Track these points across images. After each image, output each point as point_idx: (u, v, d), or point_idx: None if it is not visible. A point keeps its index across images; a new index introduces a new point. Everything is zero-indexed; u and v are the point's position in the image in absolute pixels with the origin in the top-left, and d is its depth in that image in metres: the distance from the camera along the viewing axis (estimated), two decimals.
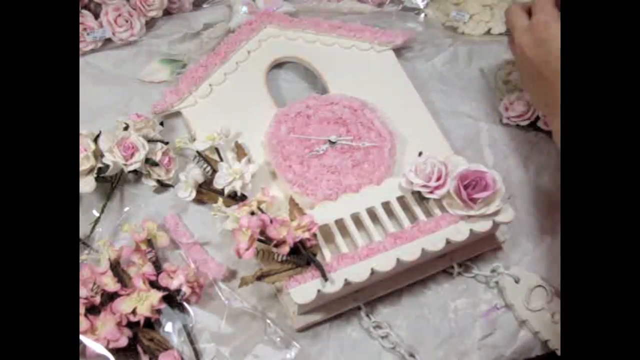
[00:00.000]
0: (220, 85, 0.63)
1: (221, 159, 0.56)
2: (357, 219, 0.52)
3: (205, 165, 0.56)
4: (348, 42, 0.68)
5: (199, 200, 0.56)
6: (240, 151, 0.57)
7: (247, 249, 0.46)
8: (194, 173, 0.55)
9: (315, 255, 0.49)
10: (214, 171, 0.55)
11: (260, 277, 0.47)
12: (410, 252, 0.49)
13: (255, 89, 0.63)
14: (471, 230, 0.51)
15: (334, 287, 0.47)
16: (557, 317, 0.52)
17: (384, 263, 0.49)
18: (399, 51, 0.71)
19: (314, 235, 0.49)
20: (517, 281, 0.54)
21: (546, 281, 0.54)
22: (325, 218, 0.51)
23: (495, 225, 0.52)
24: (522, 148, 0.64)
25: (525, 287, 0.54)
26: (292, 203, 0.52)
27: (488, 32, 0.76)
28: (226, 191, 0.53)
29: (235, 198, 0.54)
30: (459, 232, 0.51)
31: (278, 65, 0.68)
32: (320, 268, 0.47)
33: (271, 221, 0.48)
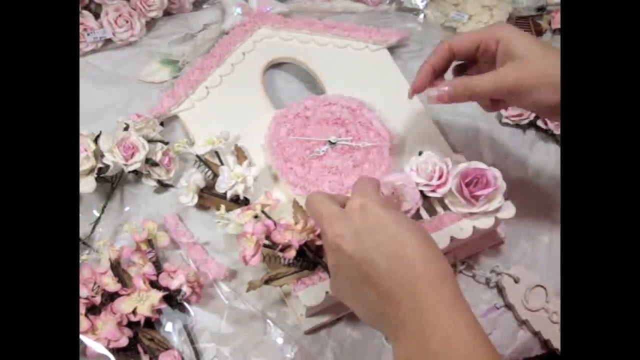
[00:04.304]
0: (217, 88, 0.63)
1: (221, 163, 0.56)
2: None
3: (206, 169, 0.56)
4: (342, 42, 0.68)
5: (201, 205, 0.56)
6: (240, 154, 0.57)
7: (254, 255, 0.46)
8: (195, 178, 0.55)
9: (321, 257, 0.49)
10: (215, 175, 0.55)
11: (267, 281, 0.48)
12: None
13: (251, 90, 0.63)
14: (474, 227, 0.51)
15: None
16: (557, 317, 0.53)
17: None
18: (397, 52, 0.71)
19: (319, 236, 0.49)
20: (516, 281, 0.54)
21: (546, 281, 0.54)
22: None
23: (498, 221, 0.52)
24: (521, 148, 0.65)
25: (524, 287, 0.54)
26: (296, 206, 0.52)
27: None
28: (228, 195, 0.53)
29: (238, 201, 0.54)
30: (462, 230, 0.51)
31: (274, 65, 0.68)
32: (327, 269, 0.47)
33: (275, 225, 0.48)
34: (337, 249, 0.38)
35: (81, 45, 0.67)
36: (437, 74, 0.51)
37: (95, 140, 0.55)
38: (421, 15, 0.78)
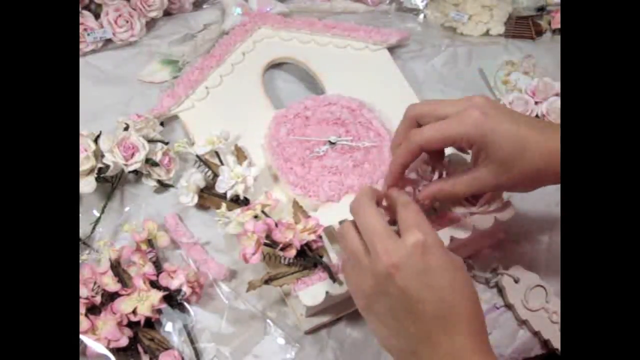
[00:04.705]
0: (217, 88, 0.63)
1: (221, 163, 0.56)
2: None
3: (206, 169, 0.56)
4: (342, 42, 0.68)
5: (201, 205, 0.56)
6: (240, 154, 0.57)
7: (254, 254, 0.46)
8: (195, 178, 0.55)
9: (322, 257, 0.49)
10: (215, 175, 0.55)
11: (267, 281, 0.48)
12: None
13: (251, 90, 0.63)
14: (474, 227, 0.51)
15: (342, 288, 0.47)
16: (557, 317, 0.53)
17: None
18: (397, 52, 0.71)
19: (320, 236, 0.49)
20: (516, 281, 0.54)
21: (545, 281, 0.54)
22: (329, 219, 0.51)
23: (497, 221, 0.52)
24: None
25: (524, 287, 0.54)
26: (296, 206, 0.52)
27: (487, 33, 0.76)
28: (228, 195, 0.53)
29: (238, 202, 0.54)
30: (462, 230, 0.51)
31: (274, 65, 0.68)
32: (327, 269, 0.47)
33: (276, 225, 0.48)
34: (389, 278, 0.37)
35: (81, 45, 0.67)
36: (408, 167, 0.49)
37: (95, 140, 0.55)
38: (421, 15, 0.78)
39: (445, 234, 0.51)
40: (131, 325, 0.48)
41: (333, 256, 0.49)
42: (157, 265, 0.51)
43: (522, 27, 0.77)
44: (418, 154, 0.47)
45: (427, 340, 0.37)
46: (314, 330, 0.51)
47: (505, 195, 0.53)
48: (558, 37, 0.76)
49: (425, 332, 0.37)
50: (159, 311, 0.49)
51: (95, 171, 0.54)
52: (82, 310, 0.47)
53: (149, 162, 0.56)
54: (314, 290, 0.47)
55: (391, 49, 0.70)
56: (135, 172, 0.56)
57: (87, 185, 0.54)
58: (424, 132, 0.45)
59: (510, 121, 0.43)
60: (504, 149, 0.43)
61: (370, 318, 0.41)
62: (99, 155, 0.55)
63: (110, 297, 0.48)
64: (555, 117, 0.63)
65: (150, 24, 0.72)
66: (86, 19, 0.67)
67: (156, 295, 0.48)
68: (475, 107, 0.43)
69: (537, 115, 0.64)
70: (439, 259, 0.38)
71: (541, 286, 0.54)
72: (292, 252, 0.47)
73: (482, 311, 0.39)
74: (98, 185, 0.54)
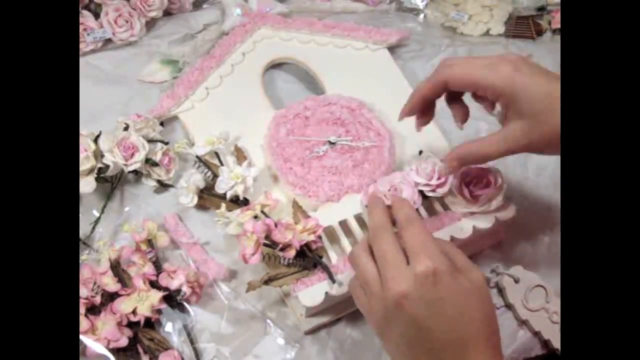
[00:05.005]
0: (217, 89, 0.63)
1: (221, 163, 0.56)
2: (360, 220, 0.53)
3: (205, 170, 0.56)
4: (342, 42, 0.68)
5: (200, 206, 0.56)
6: (240, 155, 0.57)
7: (253, 254, 0.46)
8: (195, 178, 0.55)
9: (321, 257, 0.49)
10: (215, 176, 0.55)
11: (267, 282, 0.48)
12: None
13: (251, 91, 0.63)
14: (474, 227, 0.51)
15: (341, 288, 0.47)
16: (557, 317, 0.52)
17: None
18: (397, 52, 0.71)
19: (319, 237, 0.49)
20: (516, 281, 0.54)
21: (546, 281, 0.54)
22: (329, 220, 0.51)
23: (498, 221, 0.52)
24: None
25: (524, 287, 0.54)
26: (296, 206, 0.52)
27: (487, 33, 0.77)
28: (228, 195, 0.53)
29: (238, 202, 0.54)
30: (462, 230, 0.51)
31: (274, 65, 0.68)
32: (327, 270, 0.47)
33: (276, 225, 0.48)
34: (398, 307, 0.37)
35: (81, 45, 0.67)
36: (428, 103, 0.49)
37: (95, 140, 0.55)
38: (421, 15, 0.79)
39: (445, 234, 0.51)
40: (131, 325, 0.47)
41: (333, 256, 0.49)
42: (157, 265, 0.51)
43: (522, 27, 0.77)
44: (441, 90, 0.46)
45: None
46: (313, 331, 0.51)
47: (505, 195, 0.52)
48: (558, 37, 0.76)
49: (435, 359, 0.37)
50: (159, 311, 0.49)
51: (95, 171, 0.54)
52: (82, 310, 0.47)
53: (148, 162, 0.56)
54: (313, 290, 0.47)
55: (391, 49, 0.70)
56: (135, 172, 0.56)
57: (87, 185, 0.54)
58: (454, 68, 0.44)
59: (543, 77, 0.42)
60: (535, 104, 0.41)
61: (385, 341, 0.40)
62: (98, 155, 0.55)
63: (110, 297, 0.48)
64: None
65: (150, 24, 0.72)
66: (86, 18, 0.67)
67: (156, 296, 0.48)
68: (508, 62, 0.43)
69: None
70: (448, 287, 0.37)
71: (541, 286, 0.54)
72: (291, 253, 0.47)
73: (498, 333, 0.38)
74: (98, 185, 0.54)
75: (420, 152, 0.56)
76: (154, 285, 0.49)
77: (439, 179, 0.52)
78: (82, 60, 0.67)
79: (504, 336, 0.53)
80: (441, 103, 0.66)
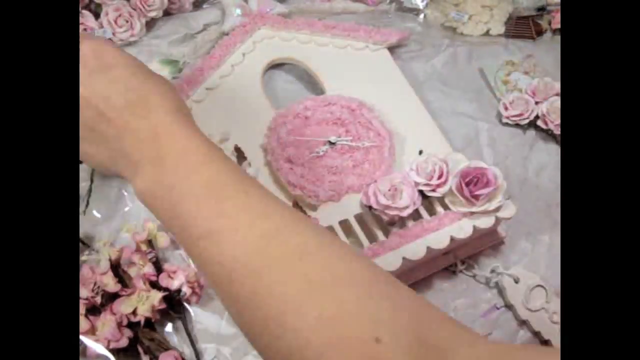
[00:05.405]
0: (217, 89, 0.63)
1: None
2: (361, 219, 0.53)
3: None
4: (342, 42, 0.68)
5: None
6: (240, 154, 0.57)
7: None
8: None
9: None
10: None
11: None
12: (415, 251, 0.49)
13: (251, 91, 0.63)
14: (474, 226, 0.51)
15: None
16: (557, 317, 0.53)
17: (390, 262, 0.49)
18: (397, 52, 0.71)
19: None
20: (516, 281, 0.54)
21: (546, 281, 0.54)
22: (329, 219, 0.51)
23: (498, 221, 0.52)
24: (522, 147, 0.65)
25: (524, 287, 0.54)
26: (296, 206, 0.52)
27: (487, 33, 0.76)
28: None
29: None
30: (462, 229, 0.51)
31: (274, 65, 0.68)
32: None
33: None
34: (80, 100, 0.37)
35: None
36: None
37: None
38: (421, 15, 0.78)
39: (445, 234, 0.51)
40: (131, 325, 0.47)
41: None
42: (157, 265, 0.51)
43: (522, 27, 0.77)
44: None
45: (126, 131, 0.37)
46: None
47: (506, 194, 0.52)
48: (558, 37, 0.76)
49: (122, 125, 0.37)
50: (159, 312, 0.49)
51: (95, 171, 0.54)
52: (82, 310, 0.47)
53: None
54: None
55: (391, 49, 0.70)
56: None
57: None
58: None
59: None
60: None
61: (85, 153, 0.40)
62: None
63: (110, 297, 0.48)
64: (556, 117, 0.63)
65: (150, 24, 0.72)
66: (86, 18, 0.67)
67: (156, 296, 0.48)
68: None
69: (537, 116, 0.64)
70: (114, 55, 0.38)
71: (541, 286, 0.54)
72: None
73: (180, 97, 0.39)
74: (98, 185, 0.54)
75: (420, 152, 0.56)
76: (154, 285, 0.49)
77: (439, 178, 0.52)
78: None
79: (504, 336, 0.54)
80: (441, 103, 0.67)
